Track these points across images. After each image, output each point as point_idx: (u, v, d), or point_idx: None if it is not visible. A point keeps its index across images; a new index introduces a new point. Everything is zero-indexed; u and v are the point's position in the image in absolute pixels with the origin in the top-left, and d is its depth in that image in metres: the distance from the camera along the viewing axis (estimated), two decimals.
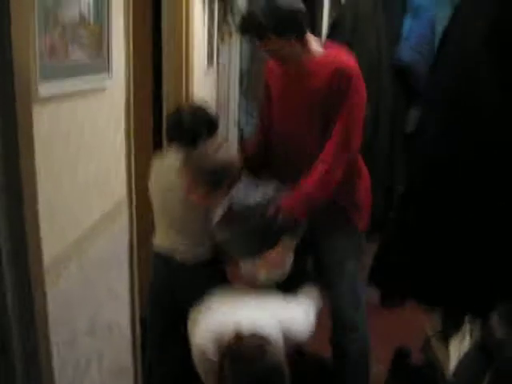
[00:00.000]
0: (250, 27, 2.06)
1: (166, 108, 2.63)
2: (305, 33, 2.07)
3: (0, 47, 0.79)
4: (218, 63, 3.78)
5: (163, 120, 2.66)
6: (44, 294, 1.02)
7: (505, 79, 0.89)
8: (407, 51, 3.04)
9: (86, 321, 1.40)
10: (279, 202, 2.11)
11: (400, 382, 2.65)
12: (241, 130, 5.00)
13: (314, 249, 2.26)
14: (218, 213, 2.09)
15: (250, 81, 5.36)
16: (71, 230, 1.28)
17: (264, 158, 2.32)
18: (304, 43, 2.08)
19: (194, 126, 2.06)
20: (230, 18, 3.47)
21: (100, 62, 1.41)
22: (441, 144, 1.07)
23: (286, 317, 1.81)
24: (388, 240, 1.12)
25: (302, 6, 2.03)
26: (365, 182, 2.14)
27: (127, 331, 1.80)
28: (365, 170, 2.11)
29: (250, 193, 2.17)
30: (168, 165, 1.96)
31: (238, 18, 3.61)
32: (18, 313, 0.90)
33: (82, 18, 1.27)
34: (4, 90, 0.81)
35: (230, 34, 3.57)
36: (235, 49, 4.49)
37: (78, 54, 1.25)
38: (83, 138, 1.33)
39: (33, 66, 0.99)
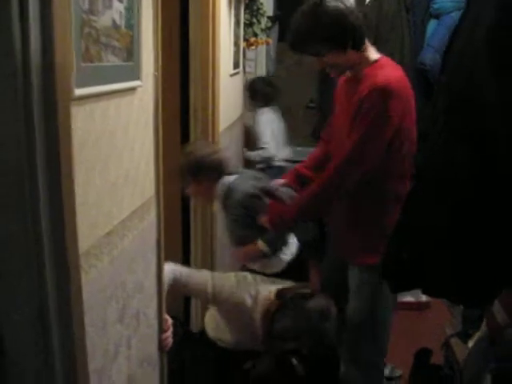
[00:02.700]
0: (300, 47, 2.09)
1: (193, 109, 2.71)
2: (359, 42, 2.03)
3: (43, 48, 0.86)
4: (244, 66, 3.85)
5: (190, 121, 2.75)
6: (79, 280, 1.10)
7: (503, 84, 0.94)
8: (430, 54, 3.07)
9: (115, 310, 1.48)
10: (269, 203, 2.19)
11: (420, 381, 2.69)
12: None
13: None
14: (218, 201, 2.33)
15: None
16: (102, 225, 1.35)
17: (316, 171, 2.36)
18: (361, 53, 2.06)
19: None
20: (255, 25, 3.54)
21: (131, 65, 1.48)
22: (439, 144, 1.11)
23: None
24: (397, 235, 1.17)
25: (349, 17, 1.98)
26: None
27: (154, 322, 1.87)
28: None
29: (246, 182, 2.32)
30: None
31: (263, 24, 3.69)
32: (56, 295, 0.98)
33: (115, 23, 1.35)
34: (47, 91, 0.88)
35: (254, 40, 3.64)
36: (262, 54, 4.56)
37: (110, 58, 1.33)
38: (115, 139, 1.40)
39: (69, 69, 1.07)
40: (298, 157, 5.73)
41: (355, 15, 2.00)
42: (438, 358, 2.84)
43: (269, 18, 4.11)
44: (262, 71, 4.64)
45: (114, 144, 1.40)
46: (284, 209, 2.19)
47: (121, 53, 1.40)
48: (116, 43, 1.37)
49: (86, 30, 1.18)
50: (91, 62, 1.21)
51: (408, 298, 3.88)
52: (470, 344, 2.29)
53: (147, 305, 1.80)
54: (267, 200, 2.31)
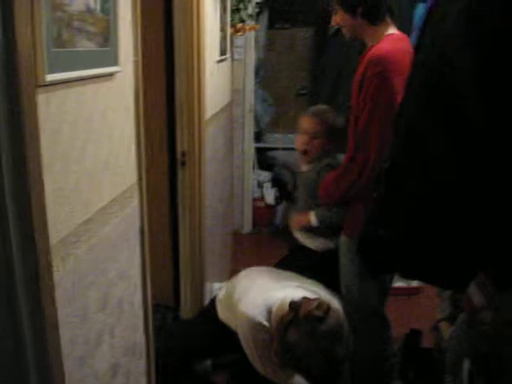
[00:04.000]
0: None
1: (179, 96, 2.69)
2: (372, 16, 2.11)
3: (3, 34, 0.84)
4: (232, 52, 3.82)
5: (176, 109, 2.72)
6: (51, 273, 1.08)
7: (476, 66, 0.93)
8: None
9: (96, 299, 1.47)
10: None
11: (410, 362, 2.71)
12: (256, 118, 5.04)
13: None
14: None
15: (266, 71, 5.41)
16: (80, 213, 1.34)
17: None
18: (374, 27, 2.13)
19: None
20: (242, 11, 3.52)
21: (108, 51, 1.46)
22: (415, 125, 1.10)
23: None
24: (373, 214, 1.17)
25: None
26: None
27: (139, 311, 1.86)
28: None
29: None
30: None
31: (250, 9, 3.66)
32: (25, 289, 0.96)
33: (89, 7, 1.33)
34: (8, 77, 0.86)
35: (241, 26, 3.61)
36: (251, 40, 4.52)
37: (84, 43, 1.31)
38: (92, 125, 1.39)
39: (39, 55, 1.05)
40: (289, 144, 5.73)
41: None
42: (428, 343, 2.86)
43: (257, 4, 4.07)
44: (251, 58, 4.61)
45: (91, 130, 1.38)
46: (329, 181, 2.33)
47: (96, 38, 1.38)
48: (91, 28, 1.35)
49: (58, 14, 1.16)
50: (63, 47, 1.19)
51: (398, 283, 3.88)
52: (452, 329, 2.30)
53: (132, 293, 1.79)
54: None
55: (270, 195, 5.14)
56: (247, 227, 5.01)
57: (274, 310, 1.98)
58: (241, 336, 2.08)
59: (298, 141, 2.76)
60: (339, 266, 2.37)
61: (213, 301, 2.52)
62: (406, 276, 1.16)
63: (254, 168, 5.05)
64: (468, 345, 1.10)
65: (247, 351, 2.05)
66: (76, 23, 1.25)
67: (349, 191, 2.21)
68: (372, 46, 2.15)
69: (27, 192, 0.93)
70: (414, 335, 2.93)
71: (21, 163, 0.91)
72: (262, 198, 5.12)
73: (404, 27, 3.24)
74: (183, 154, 2.78)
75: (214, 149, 3.33)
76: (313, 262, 2.63)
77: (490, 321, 1.00)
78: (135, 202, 1.78)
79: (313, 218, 2.57)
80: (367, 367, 2.37)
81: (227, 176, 4.08)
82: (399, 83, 1.91)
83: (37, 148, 0.97)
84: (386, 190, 1.10)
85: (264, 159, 5.39)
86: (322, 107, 2.83)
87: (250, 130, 4.84)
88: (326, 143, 2.66)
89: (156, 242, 1.98)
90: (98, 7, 1.38)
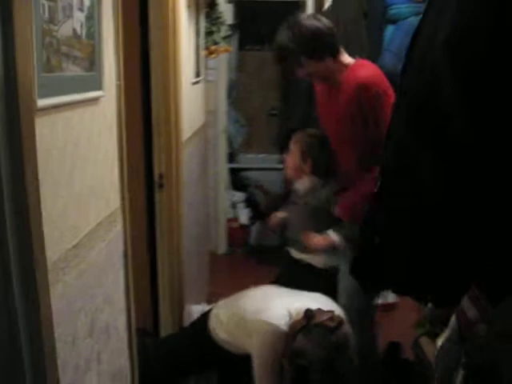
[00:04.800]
0: (284, 57, 2.38)
1: (156, 119, 2.69)
2: (335, 51, 2.37)
3: (4, 60, 0.84)
4: (205, 74, 3.85)
5: (153, 131, 2.72)
6: (48, 296, 1.07)
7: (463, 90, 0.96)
8: (390, 58, 3.12)
9: (85, 324, 1.45)
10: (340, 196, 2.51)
11: (391, 373, 2.75)
12: (229, 139, 5.06)
13: None
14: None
15: (238, 93, 5.45)
16: (69, 238, 1.33)
17: None
18: (337, 60, 2.38)
19: None
20: (215, 33, 3.55)
21: (93, 75, 1.47)
22: (403, 147, 1.13)
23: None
24: (366, 234, 1.19)
25: (326, 26, 2.35)
26: None
27: (124, 335, 1.84)
28: None
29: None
30: None
31: (223, 32, 3.70)
32: (25, 314, 0.95)
33: (75, 33, 1.33)
34: (8, 102, 0.86)
35: (215, 48, 3.64)
36: (223, 62, 4.57)
37: (72, 68, 1.31)
38: (79, 149, 1.38)
39: (33, 80, 1.05)
40: (261, 164, 5.77)
41: (331, 30, 2.37)
42: (407, 355, 2.89)
43: (229, 26, 4.12)
44: (223, 80, 4.65)
45: (77, 155, 1.38)
46: (354, 199, 2.41)
47: (82, 63, 1.38)
48: (77, 53, 1.35)
49: (47, 39, 1.16)
50: (52, 72, 1.19)
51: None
52: (439, 342, 2.33)
53: (117, 318, 1.77)
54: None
55: (244, 215, 5.16)
56: (222, 248, 5.01)
57: (293, 318, 2.11)
58: (257, 347, 2.14)
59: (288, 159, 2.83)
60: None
61: (199, 322, 2.53)
62: (399, 292, 1.19)
63: (227, 189, 5.06)
64: (461, 357, 1.12)
65: (258, 361, 2.12)
66: (64, 48, 1.26)
67: None
68: (342, 76, 2.39)
69: (27, 221, 0.93)
70: (394, 347, 2.98)
71: (20, 186, 0.90)
72: (236, 219, 5.13)
73: (374, 49, 3.34)
74: (161, 177, 2.77)
75: (190, 170, 3.34)
76: (314, 277, 2.68)
77: (485, 334, 1.03)
78: (119, 225, 1.77)
79: (336, 238, 2.56)
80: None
81: (202, 197, 4.08)
82: (390, 100, 2.14)
83: (35, 171, 0.97)
84: (377, 208, 1.13)
85: (237, 180, 5.41)
86: (309, 130, 2.84)
87: (223, 150, 4.86)
88: (298, 163, 2.72)
89: (134, 265, 1.96)
90: (84, 32, 1.39)
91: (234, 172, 5.33)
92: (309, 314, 2.02)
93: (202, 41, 3.44)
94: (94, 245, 1.52)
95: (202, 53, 3.45)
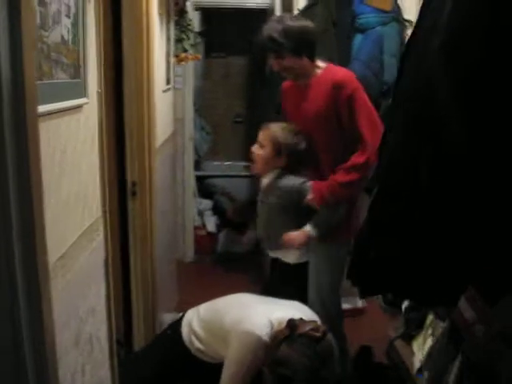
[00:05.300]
0: (269, 47, 2.45)
1: (129, 127, 2.66)
2: (314, 51, 2.48)
3: (12, 65, 0.82)
4: (174, 82, 3.83)
5: (126, 138, 2.69)
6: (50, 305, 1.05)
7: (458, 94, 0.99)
8: (359, 67, 3.18)
9: (71, 336, 1.42)
10: (312, 183, 2.51)
11: (363, 377, 2.78)
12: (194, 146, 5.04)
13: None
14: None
15: (203, 100, 5.44)
16: (58, 248, 1.30)
17: None
18: (312, 61, 2.49)
19: None
20: (184, 41, 3.55)
21: (79, 82, 1.45)
22: (400, 151, 1.16)
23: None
24: (362, 238, 1.21)
25: (312, 27, 2.49)
26: None
27: (105, 346, 1.81)
28: None
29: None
30: None
31: (192, 39, 3.69)
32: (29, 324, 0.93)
33: (63, 39, 1.31)
34: (16, 108, 0.85)
35: (184, 56, 3.64)
36: (190, 69, 4.55)
37: (60, 75, 1.29)
38: (66, 157, 1.36)
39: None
40: (227, 171, 5.78)
41: (315, 31, 2.53)
42: (379, 359, 2.93)
43: (196, 33, 4.12)
44: (190, 87, 4.63)
45: (65, 163, 1.35)
46: (327, 185, 2.47)
47: (69, 69, 1.37)
48: (64, 59, 1.33)
49: (39, 45, 1.14)
50: (44, 78, 1.17)
51: (344, 304, 3.95)
52: (415, 345, 2.38)
53: (99, 328, 1.74)
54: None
55: (210, 223, 5.14)
56: (189, 256, 4.97)
57: (274, 327, 2.07)
58: (237, 356, 2.10)
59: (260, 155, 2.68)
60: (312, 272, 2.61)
61: (172, 331, 2.49)
62: (396, 295, 1.20)
63: (195, 196, 5.03)
64: (453, 358, 1.15)
65: (234, 370, 2.08)
66: (53, 55, 1.24)
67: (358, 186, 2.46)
68: (316, 76, 2.51)
69: (32, 225, 0.91)
70: (365, 351, 3.01)
71: (25, 186, 0.89)
72: (204, 226, 5.10)
73: (343, 58, 3.39)
74: (134, 184, 2.74)
75: (162, 178, 3.31)
76: (288, 274, 2.68)
77: (482, 334, 1.06)
78: (101, 234, 1.75)
79: (310, 229, 2.55)
80: None
81: (172, 205, 4.05)
82: (365, 100, 2.44)
83: (39, 174, 0.96)
84: (372, 213, 1.15)
85: (204, 187, 5.39)
86: (282, 124, 2.68)
87: (189, 158, 4.83)
88: (272, 157, 2.60)
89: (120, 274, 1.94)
90: (70, 38, 1.37)
91: (199, 180, 5.30)
92: (292, 323, 2.00)
93: (172, 48, 3.42)
94: (78, 254, 1.50)
95: (172, 60, 3.44)
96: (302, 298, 2.49)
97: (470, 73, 0.98)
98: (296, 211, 2.58)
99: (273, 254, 2.78)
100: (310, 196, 2.51)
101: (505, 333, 1.03)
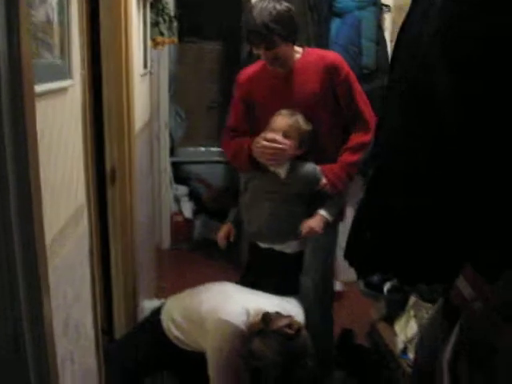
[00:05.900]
0: (262, 37, 2.23)
1: (107, 111, 2.61)
2: (296, 37, 2.37)
3: (10, 46, 0.79)
4: (151, 68, 3.78)
5: (104, 123, 2.64)
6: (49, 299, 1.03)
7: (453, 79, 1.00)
8: (338, 51, 3.17)
9: (60, 323, 1.40)
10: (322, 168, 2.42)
11: (345, 358, 2.82)
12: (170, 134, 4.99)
13: None
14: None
15: (177, 85, 5.38)
16: (48, 234, 1.27)
17: None
18: (293, 46, 2.38)
19: None
20: (161, 24, 3.49)
21: (64, 63, 1.41)
22: (395, 137, 1.16)
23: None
24: (359, 218, 1.21)
25: (293, 10, 2.32)
26: None
27: (91, 333, 1.79)
28: None
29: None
30: None
31: (168, 24, 3.64)
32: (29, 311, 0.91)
33: (48, 18, 1.27)
34: (13, 88, 0.82)
35: (161, 40, 3.58)
36: (164, 54, 4.49)
37: (46, 55, 1.25)
38: (52, 141, 1.32)
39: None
40: (202, 157, 5.73)
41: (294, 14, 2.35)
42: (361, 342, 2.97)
43: (172, 17, 4.05)
44: (165, 72, 4.57)
45: (51, 147, 1.32)
46: (338, 167, 2.44)
47: (55, 50, 1.33)
48: (50, 39, 1.29)
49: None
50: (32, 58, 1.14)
51: None
52: (397, 327, 2.41)
53: (85, 315, 1.72)
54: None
55: (187, 209, 5.11)
56: (166, 242, 4.94)
57: (251, 317, 2.04)
58: (214, 345, 2.06)
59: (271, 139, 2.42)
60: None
61: (153, 319, 2.46)
62: (394, 274, 1.21)
63: (171, 183, 4.99)
64: (448, 336, 1.16)
65: (216, 359, 2.05)
66: (40, 34, 1.20)
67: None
68: (298, 61, 2.43)
69: (30, 205, 0.88)
70: (347, 334, 3.05)
71: (23, 164, 0.86)
72: (180, 212, 5.07)
73: (321, 42, 3.39)
74: (113, 170, 2.69)
75: (141, 164, 3.27)
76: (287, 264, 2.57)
77: (481, 311, 1.07)
78: (85, 220, 1.72)
79: (326, 214, 2.44)
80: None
81: (150, 191, 4.01)
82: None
83: (36, 152, 0.93)
84: (368, 195, 1.15)
85: (179, 173, 5.35)
86: (292, 111, 2.46)
87: (165, 144, 4.79)
88: (296, 147, 2.42)
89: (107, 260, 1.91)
90: (56, 18, 1.33)
91: (174, 166, 5.26)
92: (266, 317, 1.96)
93: (149, 31, 3.36)
94: (65, 240, 1.47)
95: (149, 44, 3.38)
96: (290, 286, 2.46)
97: (467, 56, 0.98)
98: (311, 198, 2.48)
99: (268, 246, 2.57)
100: (324, 180, 2.41)
101: (504, 307, 1.04)
